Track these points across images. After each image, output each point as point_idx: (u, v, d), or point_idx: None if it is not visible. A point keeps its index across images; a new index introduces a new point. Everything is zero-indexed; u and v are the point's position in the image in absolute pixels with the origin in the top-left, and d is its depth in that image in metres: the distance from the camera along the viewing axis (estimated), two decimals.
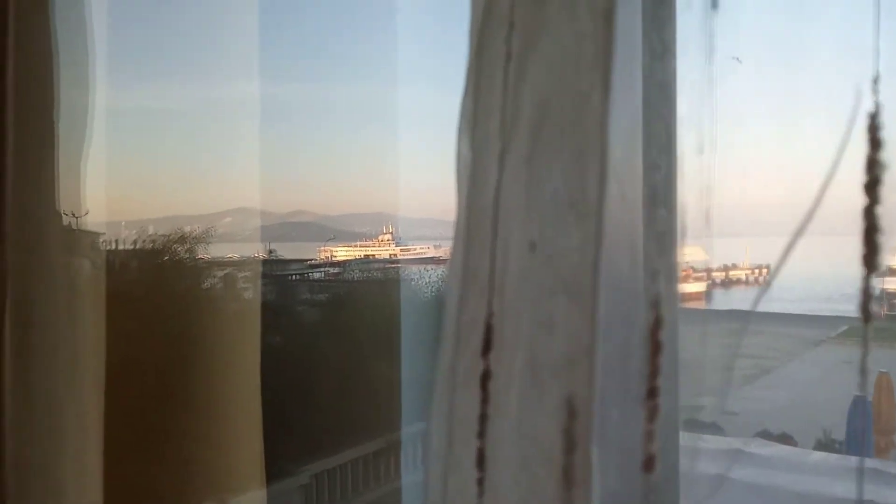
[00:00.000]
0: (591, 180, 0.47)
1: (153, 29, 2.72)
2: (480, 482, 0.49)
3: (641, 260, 0.60)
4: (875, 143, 0.52)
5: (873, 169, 0.52)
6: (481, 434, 0.49)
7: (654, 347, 0.56)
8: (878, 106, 0.52)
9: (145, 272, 3.31)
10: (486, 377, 0.49)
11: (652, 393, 0.55)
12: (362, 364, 3.89)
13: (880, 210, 0.54)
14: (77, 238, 1.73)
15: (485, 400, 0.49)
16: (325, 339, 4.40)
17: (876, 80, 0.52)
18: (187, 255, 3.65)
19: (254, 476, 1.68)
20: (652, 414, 0.55)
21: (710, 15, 0.67)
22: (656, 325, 0.56)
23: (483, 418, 0.49)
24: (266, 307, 4.97)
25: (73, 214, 4.40)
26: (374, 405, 3.54)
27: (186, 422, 1.76)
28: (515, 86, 0.50)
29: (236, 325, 1.95)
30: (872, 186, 0.53)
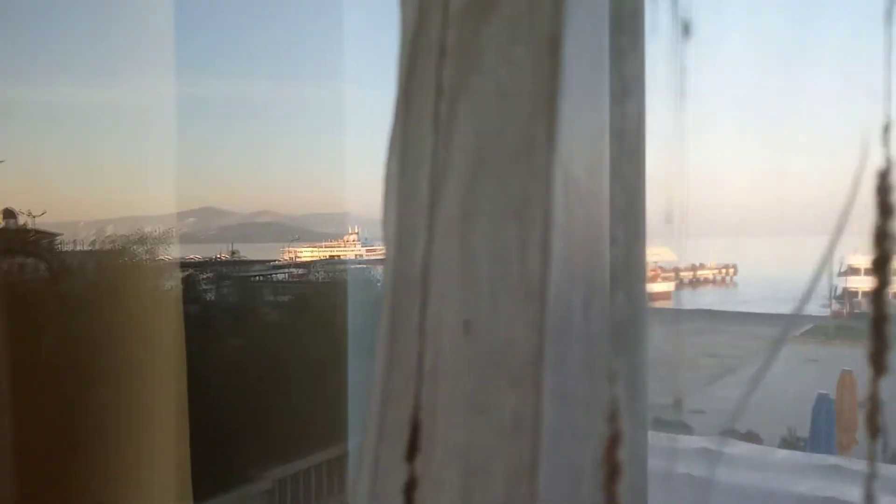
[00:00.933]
0: (534, 250, 0.39)
1: (108, 24, 2.62)
2: None
3: (597, 358, 0.51)
4: (885, 209, 0.41)
5: (883, 243, 0.41)
6: None
7: (611, 470, 0.47)
8: (889, 162, 0.40)
9: (89, 273, 3.21)
10: (411, 487, 0.41)
11: None
12: (327, 367, 3.82)
13: (889, 293, 0.43)
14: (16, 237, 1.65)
15: None
16: (289, 341, 4.31)
17: (887, 129, 0.41)
18: (146, 257, 3.54)
19: (179, 486, 1.61)
20: None
21: (681, 44, 0.57)
22: (614, 443, 0.48)
23: None
24: (226, 310, 4.86)
25: (30, 214, 4.19)
26: (337, 409, 3.47)
27: (103, 428, 1.69)
28: (447, 127, 0.42)
29: (156, 329, 1.87)
30: (881, 265, 0.42)
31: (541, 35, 0.41)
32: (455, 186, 0.42)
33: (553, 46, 0.41)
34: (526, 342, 0.39)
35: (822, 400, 7.37)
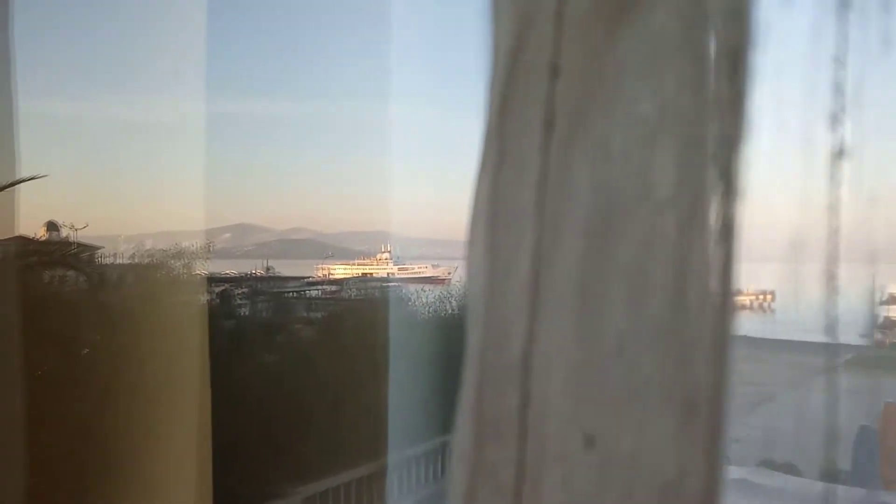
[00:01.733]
0: (699, 349, 0.28)
1: (150, 45, 2.68)
2: None
3: None
4: None
5: None
6: None
7: None
8: None
9: (127, 286, 3.25)
10: None
11: None
12: (358, 385, 3.82)
13: None
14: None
15: None
16: (320, 358, 4.33)
17: None
18: (183, 271, 3.59)
19: (201, 499, 1.60)
20: None
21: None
22: None
23: None
24: (260, 325, 4.89)
25: (73, 227, 4.27)
26: (367, 427, 3.45)
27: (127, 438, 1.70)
28: (560, 171, 0.31)
29: (187, 341, 1.87)
30: None
31: (715, 49, 0.29)
32: (570, 252, 0.30)
33: (734, 64, 0.29)
34: (690, 480, 0.27)
35: (864, 431, 7.14)
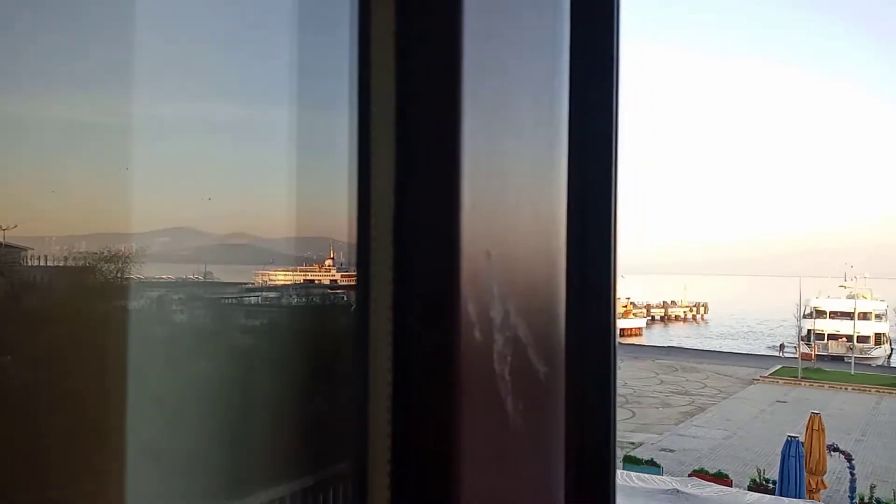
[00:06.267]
0: None
1: (92, 43, 2.59)
2: None
3: None
4: None
5: None
6: None
7: None
8: None
9: (54, 290, 3.14)
10: None
11: None
12: (293, 396, 3.75)
13: None
14: None
15: None
16: (257, 366, 4.24)
17: None
18: (117, 275, 3.49)
19: None
20: None
21: None
22: None
23: None
24: (196, 331, 4.77)
25: (1, 227, 4.16)
26: (305, 440, 3.39)
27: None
28: None
29: (117, 349, 1.81)
30: None
31: None
32: None
33: None
34: None
35: (790, 443, 7.40)
